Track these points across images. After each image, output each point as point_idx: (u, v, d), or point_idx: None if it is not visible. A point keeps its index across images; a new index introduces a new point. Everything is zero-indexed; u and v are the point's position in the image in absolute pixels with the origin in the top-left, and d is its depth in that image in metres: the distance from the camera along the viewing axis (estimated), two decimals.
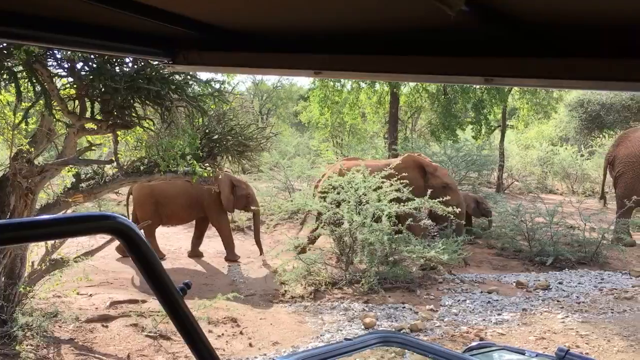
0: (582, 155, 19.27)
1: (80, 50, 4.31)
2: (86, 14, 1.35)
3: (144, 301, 7.33)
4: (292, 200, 9.37)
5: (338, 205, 9.35)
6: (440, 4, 0.88)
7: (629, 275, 10.12)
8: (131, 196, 10.74)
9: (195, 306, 6.81)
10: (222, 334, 6.79)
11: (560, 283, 9.53)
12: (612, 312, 8.07)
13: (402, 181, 9.64)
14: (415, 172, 10.68)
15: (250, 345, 6.59)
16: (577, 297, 8.79)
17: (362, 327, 7.21)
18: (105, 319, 6.77)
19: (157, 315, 6.48)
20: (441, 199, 10.06)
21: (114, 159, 6.39)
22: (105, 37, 1.43)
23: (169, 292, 1.26)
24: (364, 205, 9.18)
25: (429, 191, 9.74)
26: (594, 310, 8.13)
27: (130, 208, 10.86)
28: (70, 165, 6.27)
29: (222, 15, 1.38)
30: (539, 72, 1.09)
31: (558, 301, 8.55)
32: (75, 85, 5.71)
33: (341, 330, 7.11)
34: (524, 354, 3.01)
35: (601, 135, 20.78)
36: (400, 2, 1.05)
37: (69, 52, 5.32)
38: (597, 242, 10.95)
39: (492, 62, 1.12)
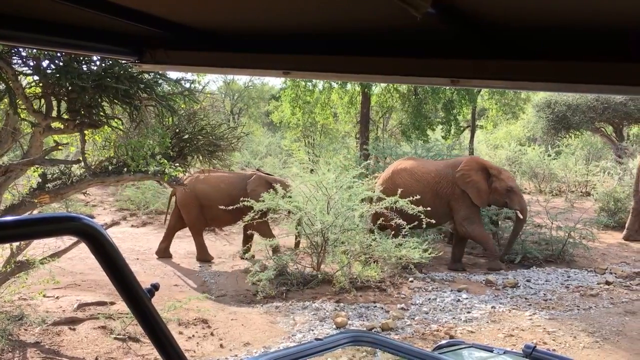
0: (549, 155, 19.63)
1: (44, 48, 4.23)
2: (50, 12, 1.32)
3: (112, 303, 7.22)
4: (263, 200, 9.32)
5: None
6: (407, 6, 0.89)
7: (595, 273, 10.36)
8: (174, 198, 10.85)
9: (165, 307, 6.74)
10: (193, 335, 6.73)
11: (528, 281, 9.70)
12: (578, 309, 8.25)
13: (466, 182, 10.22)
14: (479, 175, 10.53)
15: (221, 346, 6.55)
16: (545, 294, 8.96)
17: (334, 326, 7.22)
18: (72, 322, 6.65)
19: (126, 317, 6.40)
20: (506, 202, 10.43)
21: (81, 158, 6.28)
22: (70, 36, 1.40)
23: (136, 295, 1.24)
24: (335, 204, 9.20)
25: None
26: (561, 308, 8.30)
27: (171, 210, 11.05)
28: (36, 165, 6.14)
29: (190, 14, 1.37)
30: (504, 74, 1.10)
31: (526, 299, 8.70)
32: (41, 84, 5.60)
33: (313, 330, 7.11)
34: (492, 351, 3.05)
35: (567, 136, 21.19)
36: (367, 3, 1.05)
37: (34, 50, 5.21)
38: (564, 240, 11.17)
39: (458, 63, 1.13)
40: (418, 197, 9.71)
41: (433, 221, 10.30)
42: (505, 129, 25.44)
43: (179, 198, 10.60)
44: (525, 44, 1.15)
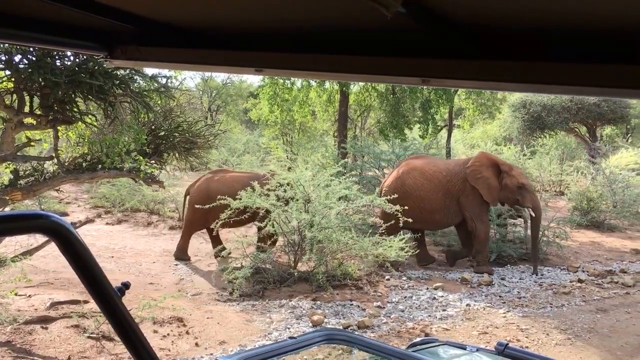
0: (524, 155, 19.88)
1: (11, 42, 4.15)
2: (17, 5, 1.30)
3: (85, 302, 7.13)
4: (240, 198, 9.27)
5: (287, 203, 9.33)
6: (377, 5, 0.89)
7: (567, 271, 10.52)
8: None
9: (140, 306, 6.68)
10: (168, 334, 6.68)
11: (502, 279, 9.81)
12: (551, 307, 8.37)
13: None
14: (489, 171, 10.25)
15: (197, 345, 6.51)
16: (518, 292, 9.07)
17: (310, 325, 7.22)
18: (45, 321, 6.55)
19: (100, 316, 6.32)
20: (517, 199, 10.16)
21: (54, 155, 6.19)
22: (38, 30, 1.37)
23: (106, 293, 1.23)
24: (312, 202, 9.19)
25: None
26: (534, 305, 8.41)
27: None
28: (8, 162, 6.03)
29: (162, 10, 1.36)
30: (474, 74, 1.11)
31: (500, 297, 8.81)
32: (13, 79, 5.50)
33: (289, 329, 7.11)
34: (465, 349, 3.09)
35: (542, 136, 21.51)
36: (338, 2, 1.05)
37: (5, 45, 5.12)
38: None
39: (429, 63, 1.14)
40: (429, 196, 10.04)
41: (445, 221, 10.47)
42: (482, 129, 25.70)
43: (191, 196, 10.49)
44: (495, 45, 1.16)
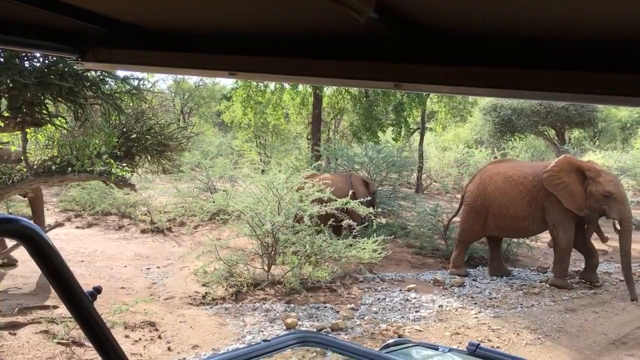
0: (495, 157, 20.19)
1: None
2: None
3: (55, 307, 7.00)
4: (213, 201, 9.22)
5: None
6: (350, 10, 0.90)
7: (537, 272, 10.70)
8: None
9: (111, 311, 6.59)
10: (140, 339, 6.59)
11: (474, 280, 9.94)
12: (522, 307, 8.51)
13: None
14: (572, 177, 9.43)
15: (169, 349, 6.44)
16: (490, 293, 9.20)
17: (284, 327, 7.21)
18: (13, 326, 6.42)
19: (70, 321, 6.21)
20: (602, 208, 9.30)
21: (22, 157, 6.07)
22: (7, 31, 1.35)
23: (77, 298, 1.22)
24: (286, 205, 9.19)
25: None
26: (505, 306, 8.53)
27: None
28: None
29: (134, 12, 1.35)
30: (445, 79, 1.13)
31: (472, 297, 8.91)
32: None
33: (263, 332, 7.08)
34: (437, 349, 3.12)
35: (512, 139, 21.87)
36: (312, 7, 1.06)
37: None
38: (508, 240, 11.48)
39: (401, 68, 1.15)
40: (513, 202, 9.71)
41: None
42: (454, 132, 26.03)
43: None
44: (467, 51, 1.18)
